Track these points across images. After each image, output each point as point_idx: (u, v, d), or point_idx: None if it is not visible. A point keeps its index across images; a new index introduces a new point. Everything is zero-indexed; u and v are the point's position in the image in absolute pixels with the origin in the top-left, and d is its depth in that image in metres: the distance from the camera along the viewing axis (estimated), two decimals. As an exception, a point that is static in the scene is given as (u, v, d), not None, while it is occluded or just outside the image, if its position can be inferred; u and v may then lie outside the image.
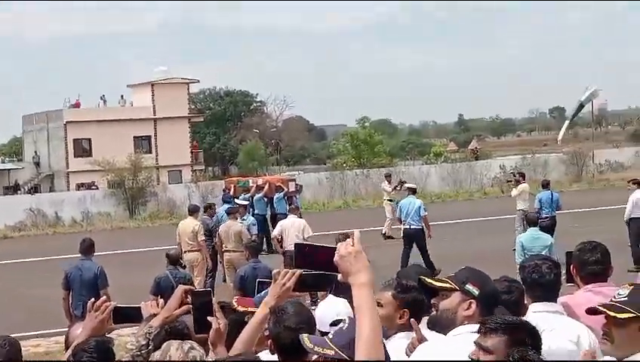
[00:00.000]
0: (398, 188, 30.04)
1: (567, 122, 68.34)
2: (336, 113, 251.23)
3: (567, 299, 5.51)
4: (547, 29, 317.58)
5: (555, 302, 5.35)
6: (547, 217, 21.23)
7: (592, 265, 5.65)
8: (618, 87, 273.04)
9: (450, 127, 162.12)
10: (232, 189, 28.18)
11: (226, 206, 22.49)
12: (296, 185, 28.78)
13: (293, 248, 12.53)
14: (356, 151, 62.31)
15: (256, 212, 25.88)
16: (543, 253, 14.85)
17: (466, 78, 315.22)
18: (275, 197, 26.39)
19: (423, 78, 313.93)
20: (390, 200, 28.62)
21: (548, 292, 5.49)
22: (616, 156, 53.79)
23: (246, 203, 23.10)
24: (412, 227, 19.88)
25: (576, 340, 4.82)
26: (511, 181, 26.69)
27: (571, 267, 5.72)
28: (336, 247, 3.36)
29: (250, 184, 28.10)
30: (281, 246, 18.51)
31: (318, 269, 3.52)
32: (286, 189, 26.87)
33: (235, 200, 24.45)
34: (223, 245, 18.42)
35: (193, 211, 19.47)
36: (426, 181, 48.07)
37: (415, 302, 4.52)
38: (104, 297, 4.69)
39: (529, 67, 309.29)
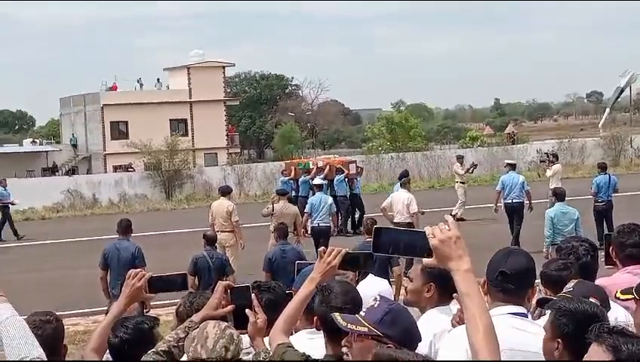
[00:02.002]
0: (470, 171, 29.71)
1: (607, 109, 67.39)
2: (371, 97, 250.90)
3: (605, 281, 5.51)
4: (584, 11, 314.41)
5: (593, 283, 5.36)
6: (603, 201, 21.13)
7: (630, 247, 5.65)
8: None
9: (486, 112, 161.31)
10: (293, 171, 27.99)
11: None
12: (357, 167, 28.34)
13: (401, 221, 12.77)
14: (391, 134, 62.11)
15: (306, 193, 26.01)
16: (570, 227, 15.37)
17: (503, 62, 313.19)
18: (335, 180, 26.25)
19: (459, 61, 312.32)
20: (462, 183, 28.41)
21: (585, 273, 5.50)
22: (654, 141, 53.24)
23: (323, 182, 23.31)
24: (515, 201, 21.15)
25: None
26: (545, 161, 26.69)
27: (610, 249, 5.71)
28: (422, 231, 3.23)
29: (311, 166, 27.83)
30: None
31: (402, 254, 3.35)
32: (346, 171, 26.60)
33: (312, 181, 24.60)
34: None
35: (226, 192, 19.57)
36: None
37: (441, 275, 4.53)
38: (139, 269, 4.75)
39: (566, 50, 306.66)
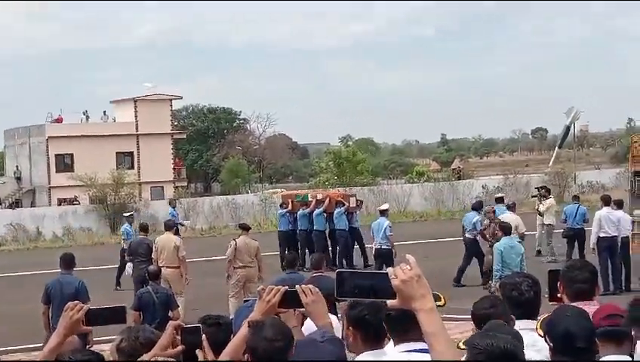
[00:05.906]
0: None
1: (556, 148, 68.46)
2: (319, 131, 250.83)
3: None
4: (532, 47, 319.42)
5: (536, 319, 5.39)
6: (570, 229, 22.26)
7: (579, 283, 5.65)
8: (599, 109, 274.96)
9: (432, 147, 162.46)
10: (290, 204, 27.10)
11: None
12: (357, 200, 27.81)
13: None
14: (339, 169, 62.28)
15: (315, 227, 25.83)
16: (517, 261, 15.71)
17: (449, 98, 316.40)
18: (335, 213, 25.76)
19: (406, 97, 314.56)
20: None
21: (528, 309, 5.54)
22: (597, 177, 54.07)
23: (386, 207, 23.75)
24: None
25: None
26: (536, 196, 26.45)
27: (558, 283, 5.74)
28: (385, 273, 3.18)
29: (310, 199, 27.13)
30: None
31: (365, 297, 3.30)
32: (347, 204, 26.02)
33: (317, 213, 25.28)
34: (237, 260, 17.83)
35: (172, 226, 19.56)
36: (409, 200, 48.14)
37: (363, 319, 4.52)
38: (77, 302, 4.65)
39: (512, 88, 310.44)
